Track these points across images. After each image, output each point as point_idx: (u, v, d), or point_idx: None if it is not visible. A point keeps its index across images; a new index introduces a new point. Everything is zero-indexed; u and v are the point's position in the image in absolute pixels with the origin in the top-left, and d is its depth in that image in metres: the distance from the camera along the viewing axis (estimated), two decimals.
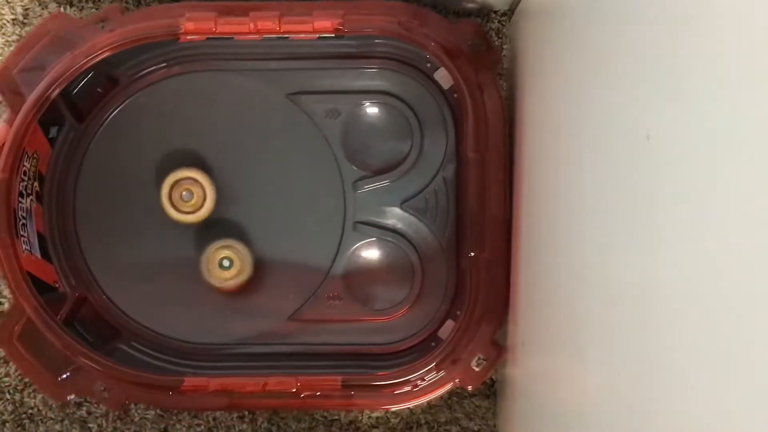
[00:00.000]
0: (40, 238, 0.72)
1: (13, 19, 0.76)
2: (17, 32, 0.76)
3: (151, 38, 0.69)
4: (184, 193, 0.71)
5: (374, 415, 0.76)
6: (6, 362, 0.75)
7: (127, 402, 0.70)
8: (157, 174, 0.73)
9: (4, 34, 0.76)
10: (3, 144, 0.67)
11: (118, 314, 0.74)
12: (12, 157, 0.67)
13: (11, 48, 0.74)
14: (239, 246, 0.72)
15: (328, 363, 0.74)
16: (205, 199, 0.71)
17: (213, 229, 0.73)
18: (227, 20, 0.68)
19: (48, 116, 0.69)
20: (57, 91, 0.68)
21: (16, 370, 0.75)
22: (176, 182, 0.71)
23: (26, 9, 0.76)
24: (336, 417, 0.76)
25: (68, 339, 0.68)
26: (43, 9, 0.76)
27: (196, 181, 0.71)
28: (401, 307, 0.75)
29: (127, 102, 0.73)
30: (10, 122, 0.68)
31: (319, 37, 0.70)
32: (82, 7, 0.76)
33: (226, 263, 0.72)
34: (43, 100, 0.67)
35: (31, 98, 0.67)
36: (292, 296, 0.75)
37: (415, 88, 0.74)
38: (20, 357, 0.69)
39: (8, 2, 0.76)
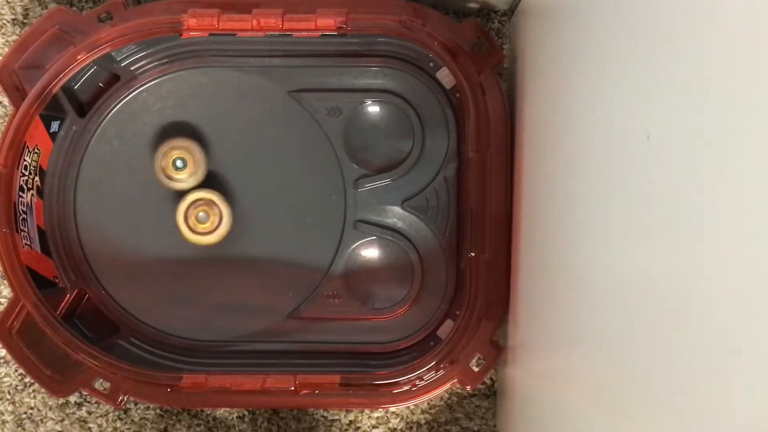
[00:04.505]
0: (41, 232, 0.72)
1: (13, 19, 0.76)
2: (17, 32, 0.76)
3: (154, 34, 0.69)
4: (200, 214, 0.71)
5: (374, 415, 0.76)
6: (6, 362, 0.76)
7: (125, 397, 0.70)
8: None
9: (4, 33, 0.76)
10: None
11: (117, 310, 0.74)
12: (13, 152, 0.67)
13: None
14: (192, 145, 0.71)
15: (326, 361, 0.74)
16: (221, 220, 0.71)
17: None
18: (230, 17, 0.68)
19: (49, 111, 0.70)
20: (58, 86, 0.68)
21: (16, 370, 0.75)
22: (192, 203, 0.71)
23: (26, 9, 0.76)
24: (336, 417, 0.76)
25: (67, 334, 0.68)
26: (42, 9, 0.76)
27: (212, 202, 0.71)
28: (400, 306, 0.75)
29: (128, 97, 0.73)
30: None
31: (322, 35, 0.70)
32: (82, 7, 0.76)
33: (179, 163, 0.71)
34: (44, 94, 0.67)
35: (32, 92, 0.67)
36: (291, 294, 0.75)
37: (418, 87, 0.74)
38: (19, 352, 0.69)
39: (8, 2, 0.76)
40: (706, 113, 0.31)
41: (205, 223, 0.71)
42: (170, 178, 0.71)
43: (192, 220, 0.71)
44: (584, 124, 0.49)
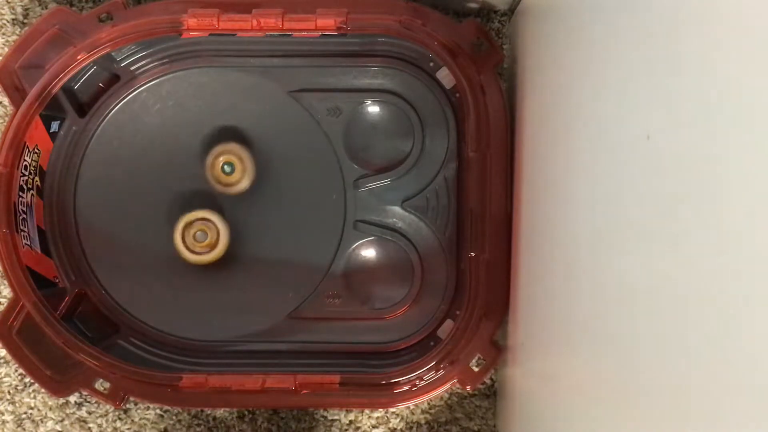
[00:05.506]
0: (40, 233, 0.72)
1: (13, 19, 0.76)
2: (17, 32, 0.76)
3: (154, 34, 0.69)
4: (197, 233, 0.71)
5: (374, 415, 0.76)
6: (6, 362, 0.75)
7: (125, 396, 0.70)
8: (158, 170, 0.73)
9: (4, 33, 0.76)
10: None
11: (117, 310, 0.74)
12: (13, 152, 0.67)
13: None
14: (240, 150, 0.72)
15: (326, 361, 0.74)
16: (218, 237, 0.72)
17: None
18: (230, 17, 0.68)
19: (49, 111, 0.70)
20: (58, 86, 0.68)
21: (16, 370, 0.75)
22: (189, 223, 0.72)
23: (26, 9, 0.76)
24: (336, 417, 0.76)
25: (67, 334, 0.68)
26: (42, 9, 0.76)
27: (209, 221, 0.72)
28: (400, 306, 0.75)
29: (128, 97, 0.73)
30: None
31: (322, 35, 0.70)
32: (82, 7, 0.76)
33: (227, 168, 0.72)
34: (44, 94, 0.67)
35: (32, 92, 0.67)
36: (291, 294, 0.75)
37: (418, 87, 0.74)
38: (19, 352, 0.69)
39: (8, 2, 0.76)
40: (706, 113, 0.31)
41: (203, 241, 0.71)
42: (222, 183, 0.72)
43: (190, 240, 0.71)
44: (584, 124, 0.49)
